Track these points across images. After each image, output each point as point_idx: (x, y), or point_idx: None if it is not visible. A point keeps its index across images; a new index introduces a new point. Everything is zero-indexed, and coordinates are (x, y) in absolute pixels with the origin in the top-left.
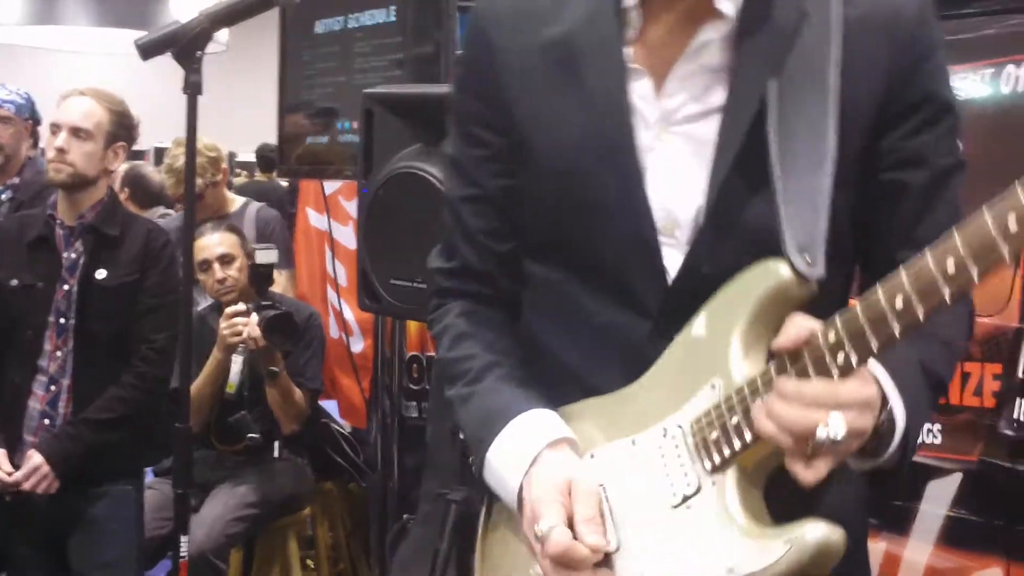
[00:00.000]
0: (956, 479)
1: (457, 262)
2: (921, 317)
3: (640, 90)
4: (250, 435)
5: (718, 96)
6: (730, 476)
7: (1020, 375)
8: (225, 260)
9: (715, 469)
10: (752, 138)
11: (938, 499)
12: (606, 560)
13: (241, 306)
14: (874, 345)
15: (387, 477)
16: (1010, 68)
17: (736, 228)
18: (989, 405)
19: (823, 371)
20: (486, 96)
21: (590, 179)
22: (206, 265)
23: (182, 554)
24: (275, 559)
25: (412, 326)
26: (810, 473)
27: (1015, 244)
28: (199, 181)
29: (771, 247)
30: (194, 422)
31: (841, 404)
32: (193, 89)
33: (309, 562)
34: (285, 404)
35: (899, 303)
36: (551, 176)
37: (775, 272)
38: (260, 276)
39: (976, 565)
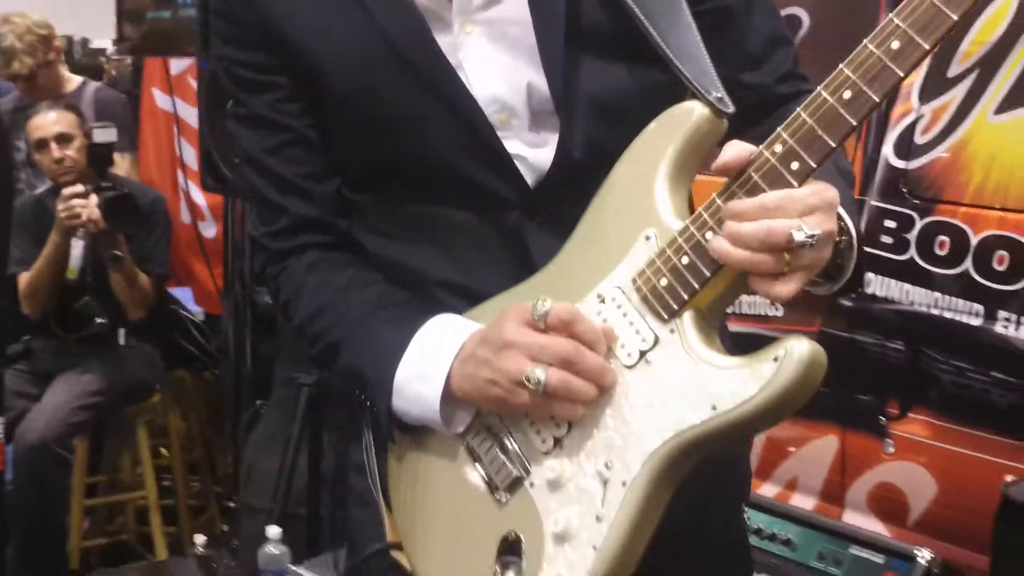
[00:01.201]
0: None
1: (284, 220)
2: (878, 99)
3: None
4: (97, 320)
5: None
6: (687, 320)
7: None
8: (63, 139)
9: (672, 315)
10: (573, 6)
11: None
12: (566, 441)
13: (79, 187)
14: (832, 141)
15: (240, 363)
16: None
17: (590, 103)
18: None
19: (778, 184)
20: (256, 40)
21: (398, 94)
22: (43, 145)
23: None
24: (125, 448)
25: None
26: (786, 286)
27: None
28: (29, 61)
29: (629, 113)
30: (31, 307)
31: (809, 206)
32: None
33: (163, 450)
34: (130, 289)
35: (847, 94)
36: (355, 101)
37: (692, 112)
38: (99, 156)
39: (814, 433)
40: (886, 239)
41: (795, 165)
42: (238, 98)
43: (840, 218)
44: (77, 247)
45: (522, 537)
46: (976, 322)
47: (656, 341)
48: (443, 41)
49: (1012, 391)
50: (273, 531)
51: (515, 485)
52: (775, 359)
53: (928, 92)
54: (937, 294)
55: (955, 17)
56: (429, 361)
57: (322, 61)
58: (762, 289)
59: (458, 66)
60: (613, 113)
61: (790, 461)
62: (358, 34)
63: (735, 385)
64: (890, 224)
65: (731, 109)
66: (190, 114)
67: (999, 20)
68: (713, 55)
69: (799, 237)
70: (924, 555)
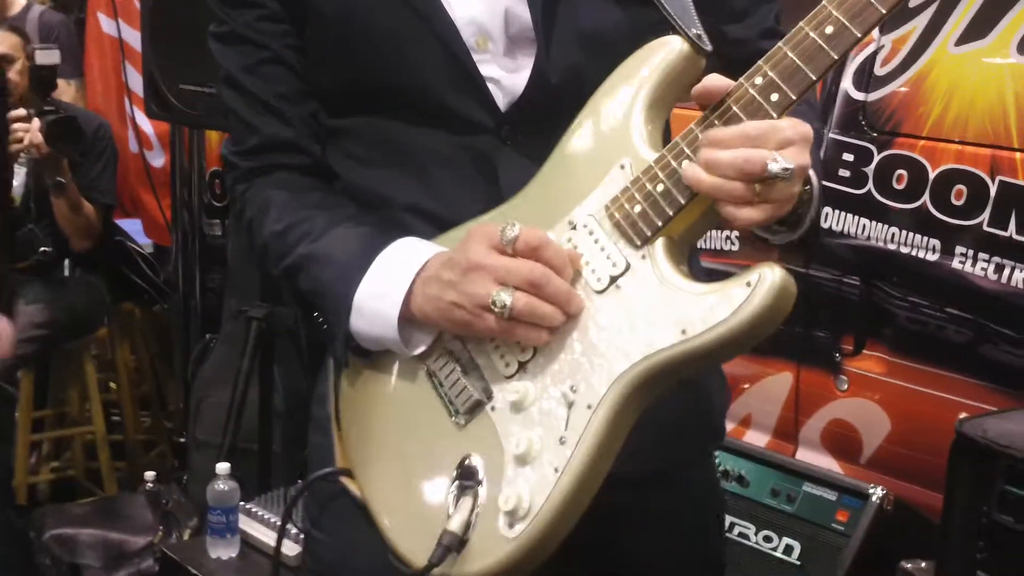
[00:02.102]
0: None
1: (257, 138)
2: (860, 35)
3: None
4: (42, 249)
5: None
6: (659, 247)
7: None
8: (3, 61)
9: (644, 242)
10: None
11: None
12: (530, 365)
13: (22, 111)
14: (813, 74)
15: (189, 296)
16: None
17: (571, 30)
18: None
19: (757, 115)
20: None
21: (378, 12)
22: None
23: None
24: (72, 382)
25: (213, 138)
26: (754, 212)
27: None
28: None
29: (610, 45)
30: None
31: (786, 139)
32: None
33: (112, 385)
34: (74, 218)
35: (829, 29)
36: (335, 20)
37: (671, 46)
38: (42, 79)
39: (769, 369)
40: (844, 172)
41: (775, 97)
42: (219, 15)
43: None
44: (19, 174)
45: (481, 460)
46: (933, 257)
47: (627, 267)
48: None
49: (967, 327)
50: (223, 467)
51: (475, 408)
52: (748, 284)
53: (889, 22)
54: (894, 228)
55: None
56: (390, 278)
57: None
58: (730, 214)
59: None
60: (595, 43)
61: (744, 398)
62: None
63: (705, 309)
64: (848, 157)
65: (709, 47)
66: (136, 39)
67: None
68: (699, 5)
69: (774, 168)
70: (877, 492)
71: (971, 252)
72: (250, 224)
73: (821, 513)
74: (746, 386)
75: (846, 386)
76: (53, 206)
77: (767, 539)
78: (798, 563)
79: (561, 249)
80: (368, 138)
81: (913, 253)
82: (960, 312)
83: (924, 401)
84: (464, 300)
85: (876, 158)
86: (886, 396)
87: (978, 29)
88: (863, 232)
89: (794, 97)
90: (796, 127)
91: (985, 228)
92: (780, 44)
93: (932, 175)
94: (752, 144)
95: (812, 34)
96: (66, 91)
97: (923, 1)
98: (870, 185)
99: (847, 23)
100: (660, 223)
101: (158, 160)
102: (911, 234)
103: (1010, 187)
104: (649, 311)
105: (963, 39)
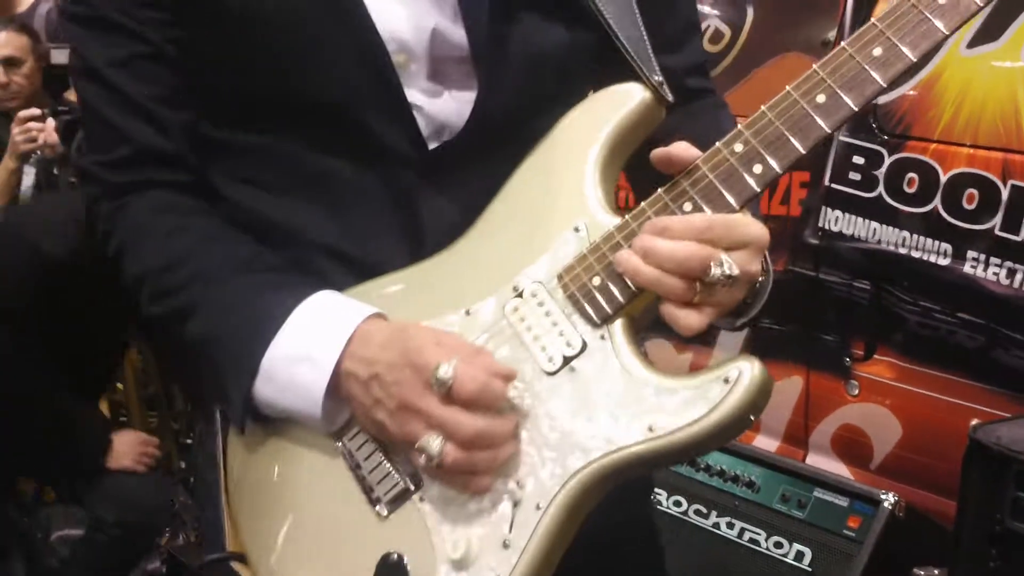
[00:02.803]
0: None
1: (126, 148)
2: (856, 108)
3: None
4: None
5: None
6: (619, 327)
7: (826, 183)
8: (10, 63)
9: (605, 320)
10: None
11: None
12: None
13: (35, 110)
14: (802, 146)
15: None
16: None
17: (518, 56)
18: (795, 214)
19: (735, 186)
20: None
21: (297, 14)
22: None
23: None
24: None
25: None
26: (695, 317)
27: None
28: None
29: (551, 75)
30: None
31: (740, 239)
32: None
33: (119, 385)
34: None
35: (820, 98)
36: (244, 17)
37: (632, 95)
38: (56, 78)
39: (778, 374)
40: (854, 176)
41: (758, 168)
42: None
43: (763, 258)
44: (29, 173)
45: (408, 560)
46: (944, 262)
47: (584, 347)
48: None
49: (979, 333)
50: None
51: (400, 499)
52: (726, 380)
53: None
54: (905, 232)
55: (945, 31)
56: (313, 341)
57: None
58: (668, 316)
59: None
60: (540, 72)
61: None
62: None
63: (678, 406)
64: (858, 160)
65: (671, 98)
66: None
67: None
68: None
69: (716, 273)
70: (889, 499)
71: (983, 257)
72: (119, 251)
73: (832, 519)
74: None
75: (857, 391)
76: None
77: (778, 545)
78: (809, 569)
79: (500, 388)
80: (272, 160)
81: (924, 257)
82: (972, 317)
83: (935, 407)
84: (394, 428)
85: (887, 161)
86: (897, 401)
87: (990, 32)
88: (873, 236)
89: (779, 171)
90: (754, 228)
91: (997, 232)
92: (763, 108)
93: (943, 179)
94: (701, 238)
95: (801, 101)
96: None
97: None
98: (881, 188)
99: (841, 93)
100: (624, 300)
101: None
102: (922, 238)
103: (1022, 191)
104: (609, 401)
105: (975, 42)
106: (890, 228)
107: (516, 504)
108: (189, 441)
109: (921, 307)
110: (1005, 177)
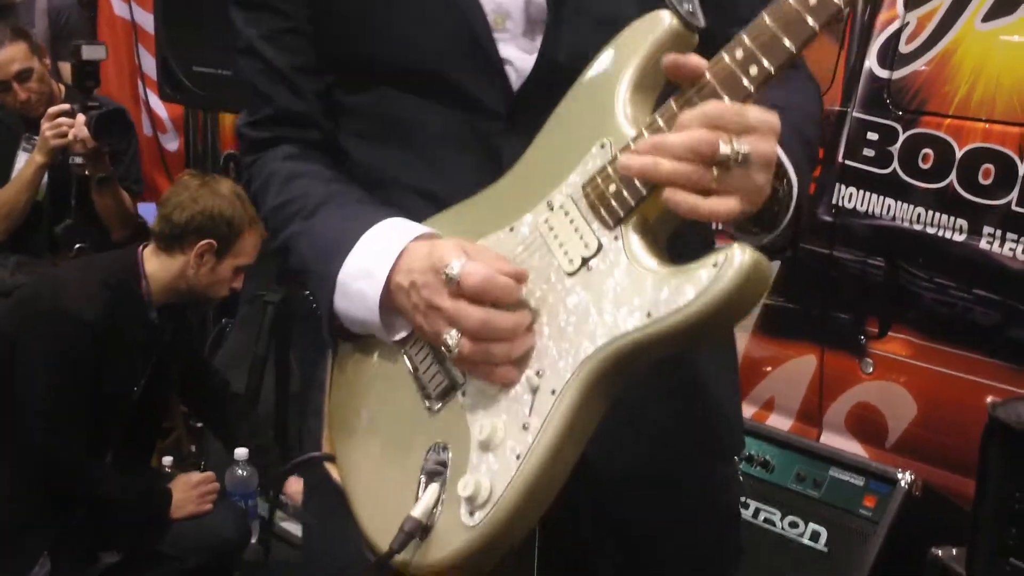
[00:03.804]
0: (774, 267)
1: (269, 108)
2: (842, 4)
3: None
4: (78, 246)
5: None
6: (632, 226)
7: (840, 160)
8: (22, 77)
9: (617, 222)
10: None
11: None
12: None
13: (65, 106)
14: (793, 45)
15: None
16: None
17: (583, 12)
18: (808, 191)
19: (735, 90)
20: None
21: None
22: (3, 86)
23: None
24: None
25: (226, 121)
26: (720, 202)
27: None
28: None
29: (620, 29)
30: (1, 230)
31: (748, 125)
32: None
33: None
34: (117, 209)
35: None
36: None
37: (661, 21)
38: (86, 74)
39: (792, 352)
40: (868, 152)
41: (754, 70)
42: None
43: (780, 165)
44: (20, 158)
45: (450, 447)
46: (960, 238)
47: (599, 248)
48: None
49: (995, 309)
50: (241, 452)
51: (447, 393)
52: (714, 265)
53: None
54: (920, 209)
55: None
56: (374, 259)
57: None
58: (690, 207)
59: None
60: (604, 27)
61: (767, 381)
62: None
63: (671, 291)
64: (872, 136)
65: (702, 23)
66: (149, 21)
67: None
68: (705, 6)
69: (725, 149)
70: (905, 477)
71: (999, 232)
72: (255, 197)
73: (848, 499)
74: (768, 369)
75: (871, 369)
76: (95, 200)
77: (793, 525)
78: (825, 550)
79: (504, 282)
80: (377, 116)
81: (939, 233)
82: (987, 293)
83: (951, 384)
84: (427, 328)
85: (901, 137)
86: (912, 379)
87: (1005, 6)
88: (888, 212)
89: (772, 70)
90: (761, 115)
91: (1014, 208)
92: (763, 13)
93: (959, 154)
94: (710, 125)
95: (793, 2)
96: None
97: None
98: (895, 164)
99: None
100: (633, 203)
101: (172, 144)
102: (937, 214)
103: None
104: (617, 293)
105: (990, 16)
106: (905, 204)
107: (535, 391)
108: (199, 425)
109: (936, 284)
110: (1022, 152)
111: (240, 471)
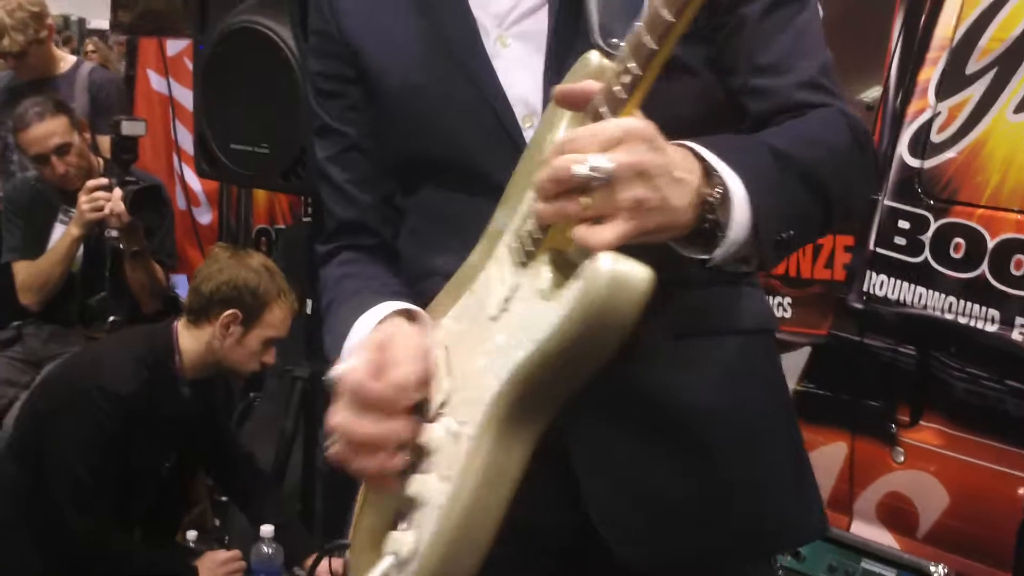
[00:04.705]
0: (805, 353)
1: (333, 223)
2: None
3: None
4: (111, 319)
5: None
6: (544, 261)
7: (871, 247)
8: (61, 151)
9: (530, 258)
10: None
11: (787, 373)
12: (446, 407)
13: (103, 180)
14: (654, 41)
15: None
16: None
17: None
18: (840, 278)
19: (613, 105)
20: (333, 49)
21: (445, 89)
22: (42, 160)
23: None
24: None
25: (259, 196)
26: (601, 233)
27: None
28: (19, 38)
29: None
30: (33, 300)
31: (609, 138)
32: None
33: None
34: (149, 283)
35: None
36: (406, 97)
37: (588, 62)
38: (125, 149)
39: (822, 439)
40: (899, 240)
41: (626, 78)
42: (315, 110)
43: (712, 172)
44: (58, 229)
45: (403, 510)
46: (992, 328)
47: (516, 287)
48: (488, 47)
49: None
50: (267, 529)
51: (416, 464)
52: (575, 279)
53: (945, 89)
54: (951, 298)
55: None
56: (347, 350)
57: (379, 60)
58: (580, 240)
59: (496, 69)
60: None
61: None
62: (417, 35)
63: (550, 314)
64: (904, 225)
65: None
66: (186, 96)
67: (1019, 17)
68: (728, 64)
69: (580, 170)
70: (939, 570)
71: None
72: (322, 302)
73: None
74: None
75: (902, 458)
76: (127, 274)
77: None
78: None
79: (374, 392)
80: (427, 213)
81: (971, 323)
82: (1020, 384)
83: (983, 475)
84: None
85: (933, 226)
86: (944, 469)
87: None
88: (919, 301)
89: (640, 72)
90: (623, 124)
91: None
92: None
93: (991, 244)
94: (565, 151)
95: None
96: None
97: (979, 69)
98: (927, 253)
99: None
100: (533, 244)
101: (205, 217)
102: (969, 304)
103: None
104: (523, 329)
105: (1021, 107)
106: (936, 293)
107: (456, 439)
108: (224, 499)
109: (968, 374)
110: None
111: (266, 548)
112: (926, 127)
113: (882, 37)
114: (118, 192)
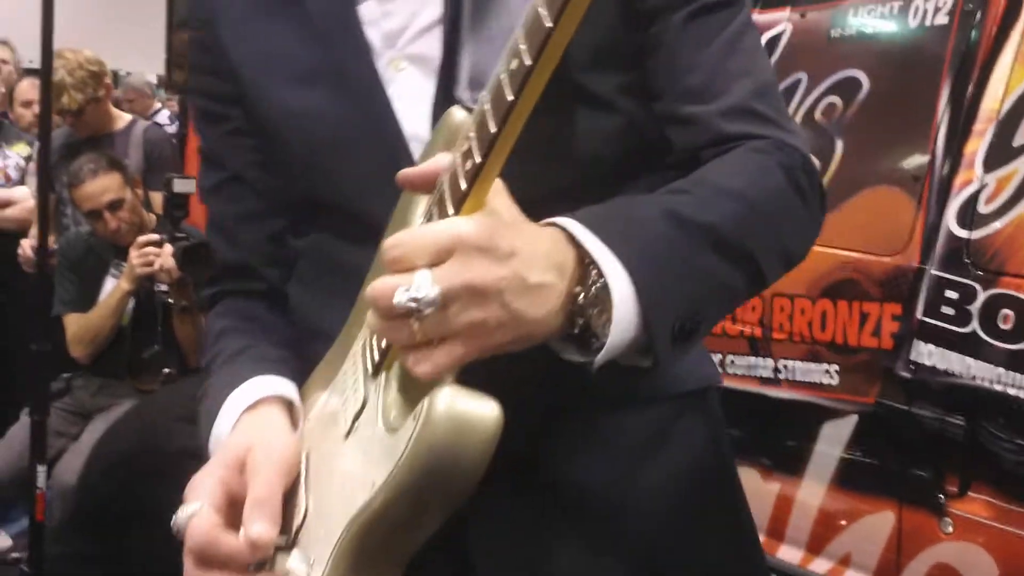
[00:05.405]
0: (852, 421)
1: (217, 264)
2: (532, 62)
3: (367, 13)
4: (166, 371)
5: (436, 6)
6: (392, 375)
7: (919, 316)
8: (115, 207)
9: (376, 370)
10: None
11: (833, 440)
12: (301, 536)
13: (154, 236)
14: (494, 123)
15: None
16: (918, 2)
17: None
18: (887, 346)
19: (456, 196)
20: (214, 64)
21: (335, 117)
22: (96, 215)
23: (39, 486)
24: None
25: None
26: (423, 360)
27: None
28: (78, 96)
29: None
30: (83, 353)
31: (438, 249)
32: None
33: None
34: (197, 338)
35: (514, 63)
36: (280, 124)
37: (451, 117)
38: (176, 206)
39: (869, 508)
40: (947, 310)
41: (469, 163)
42: (197, 128)
43: (592, 265)
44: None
45: None
46: None
47: (364, 403)
48: (380, 71)
49: None
50: None
51: None
52: (414, 419)
53: (992, 161)
54: (1000, 369)
55: None
56: (212, 442)
57: (256, 77)
58: (408, 367)
59: (390, 98)
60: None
61: (844, 535)
62: (301, 52)
63: (390, 454)
64: (951, 295)
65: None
66: None
67: None
68: (652, 88)
69: (402, 299)
70: None
71: None
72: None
73: None
74: (844, 523)
75: (951, 529)
76: (176, 327)
77: None
78: None
79: (222, 546)
80: (315, 259)
81: (1020, 394)
82: None
83: None
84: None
85: (981, 297)
86: (993, 541)
87: None
88: (968, 371)
89: (478, 159)
90: (453, 230)
91: None
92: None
93: None
94: (391, 266)
95: (499, 73)
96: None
97: None
98: (975, 324)
99: (525, 52)
100: (384, 346)
101: None
102: (1018, 375)
103: None
104: (366, 463)
105: None
106: (985, 364)
107: None
108: None
109: (1017, 445)
110: None
111: None
112: (973, 198)
113: (928, 108)
114: (168, 248)
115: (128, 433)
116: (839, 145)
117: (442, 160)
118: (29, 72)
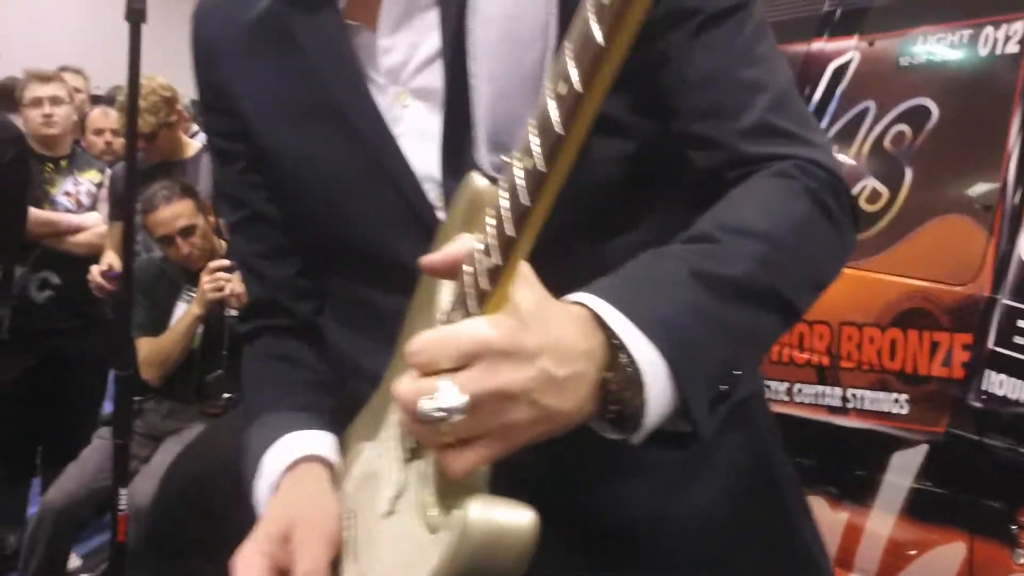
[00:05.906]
0: (922, 451)
1: (248, 299)
2: (546, 169)
3: (366, 47)
4: (226, 395)
5: (436, 36)
6: (429, 460)
7: (990, 346)
8: (187, 233)
9: (413, 455)
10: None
11: (903, 470)
12: None
13: (225, 261)
14: (514, 230)
15: None
16: (988, 30)
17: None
18: (958, 376)
19: (484, 298)
20: (217, 101)
21: (338, 160)
22: (168, 241)
23: (121, 507)
24: None
25: None
26: (457, 459)
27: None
28: (151, 120)
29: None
30: (154, 375)
31: (462, 354)
32: (136, 16)
33: None
34: None
35: (538, 141)
36: (286, 168)
37: (468, 182)
38: None
39: (939, 539)
40: (1019, 340)
41: (488, 261)
42: (214, 165)
43: (621, 348)
44: (179, 308)
45: None
46: None
47: (403, 487)
48: (381, 108)
49: None
50: None
51: None
52: (450, 528)
53: None
54: None
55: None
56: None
57: (258, 118)
58: (442, 466)
59: (397, 137)
60: None
61: (913, 566)
62: (299, 92)
63: (427, 558)
64: (1023, 324)
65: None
66: None
67: None
68: (667, 105)
69: (427, 409)
70: None
71: None
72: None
73: None
74: (914, 553)
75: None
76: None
77: None
78: None
79: None
80: (344, 299)
81: None
82: None
83: None
84: None
85: None
86: None
87: None
88: None
89: (500, 262)
90: (476, 335)
91: None
92: (502, 181)
93: None
94: (417, 370)
95: (515, 164)
96: None
97: None
98: None
99: (539, 159)
100: (413, 446)
101: None
102: None
103: None
104: (406, 555)
105: None
106: None
107: None
108: None
109: None
110: None
111: None
112: None
113: (999, 137)
114: (239, 273)
115: (201, 455)
116: (908, 174)
117: (464, 245)
118: (98, 100)
